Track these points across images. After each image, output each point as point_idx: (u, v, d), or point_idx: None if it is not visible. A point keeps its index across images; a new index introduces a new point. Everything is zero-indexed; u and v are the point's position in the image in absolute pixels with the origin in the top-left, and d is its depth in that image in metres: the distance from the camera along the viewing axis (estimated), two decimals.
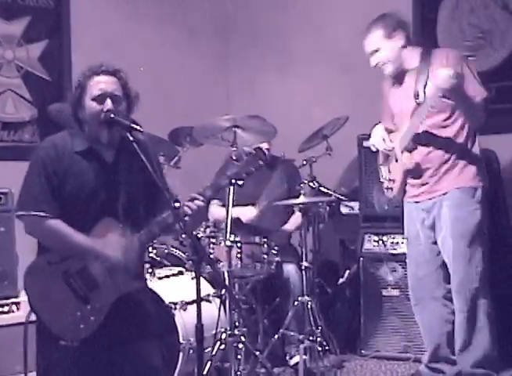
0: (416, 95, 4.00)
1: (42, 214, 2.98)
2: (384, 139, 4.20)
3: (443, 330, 4.16)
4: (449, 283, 4.11)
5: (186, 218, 3.02)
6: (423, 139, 4.00)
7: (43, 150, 3.06)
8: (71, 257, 2.99)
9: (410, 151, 4.06)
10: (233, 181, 4.05)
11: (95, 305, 2.98)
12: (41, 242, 3.08)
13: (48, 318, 2.95)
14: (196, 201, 3.06)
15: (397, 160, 4.17)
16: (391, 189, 4.25)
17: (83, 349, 2.95)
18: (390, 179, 4.24)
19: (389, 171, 4.26)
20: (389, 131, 4.26)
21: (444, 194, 4.03)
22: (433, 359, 4.21)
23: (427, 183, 4.08)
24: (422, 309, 4.21)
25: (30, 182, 3.06)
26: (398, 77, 4.14)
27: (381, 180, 4.36)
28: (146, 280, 4.19)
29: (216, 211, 5.10)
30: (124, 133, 2.98)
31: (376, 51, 4.08)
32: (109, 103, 3.00)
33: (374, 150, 4.34)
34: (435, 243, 4.11)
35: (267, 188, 4.94)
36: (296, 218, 5.13)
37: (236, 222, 4.41)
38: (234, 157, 3.36)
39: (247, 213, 4.93)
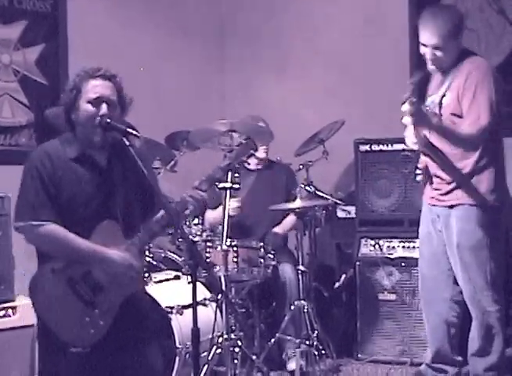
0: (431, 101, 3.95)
1: (44, 223, 2.96)
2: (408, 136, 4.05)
3: (447, 332, 4.16)
4: (458, 284, 4.11)
5: (187, 211, 3.05)
6: (434, 154, 3.95)
7: (37, 159, 3.03)
8: (75, 263, 2.98)
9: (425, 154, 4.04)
10: (230, 185, 4.10)
11: (103, 309, 2.98)
12: (43, 250, 3.04)
13: (58, 326, 2.93)
14: (199, 191, 3.08)
15: None
16: None
17: (93, 354, 2.95)
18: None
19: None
20: None
21: (451, 207, 3.98)
22: (436, 359, 4.22)
23: (439, 189, 4.04)
24: (429, 309, 4.20)
25: (26, 192, 3.02)
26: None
27: None
28: (145, 281, 4.24)
29: (209, 215, 5.10)
30: (117, 137, 2.99)
31: (437, 48, 3.87)
32: (104, 108, 3.01)
33: None
34: (445, 245, 4.09)
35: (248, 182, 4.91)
36: (287, 221, 5.13)
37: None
38: (226, 151, 3.39)
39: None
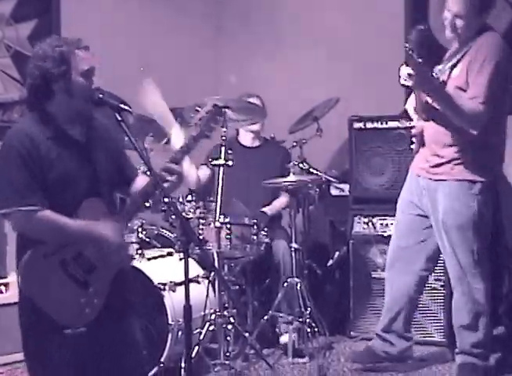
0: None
1: (32, 208, 2.86)
2: None
3: (406, 305, 4.20)
4: (431, 260, 4.15)
5: (165, 184, 3.01)
6: (434, 115, 3.89)
7: (16, 139, 2.89)
8: (65, 245, 2.94)
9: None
10: (223, 162, 4.10)
11: (96, 287, 2.97)
12: (34, 237, 2.92)
13: (55, 310, 2.90)
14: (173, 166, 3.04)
15: None
16: None
17: (87, 332, 2.94)
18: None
19: None
20: None
21: (438, 181, 3.97)
22: (387, 328, 4.25)
23: (429, 160, 4.01)
24: (395, 276, 4.21)
25: (8, 175, 2.89)
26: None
27: None
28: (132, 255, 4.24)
29: (201, 172, 5.12)
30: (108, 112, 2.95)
31: (458, 16, 3.83)
32: (96, 81, 2.96)
33: None
34: (425, 217, 4.09)
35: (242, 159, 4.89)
36: (278, 202, 5.11)
37: None
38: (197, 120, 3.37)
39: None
